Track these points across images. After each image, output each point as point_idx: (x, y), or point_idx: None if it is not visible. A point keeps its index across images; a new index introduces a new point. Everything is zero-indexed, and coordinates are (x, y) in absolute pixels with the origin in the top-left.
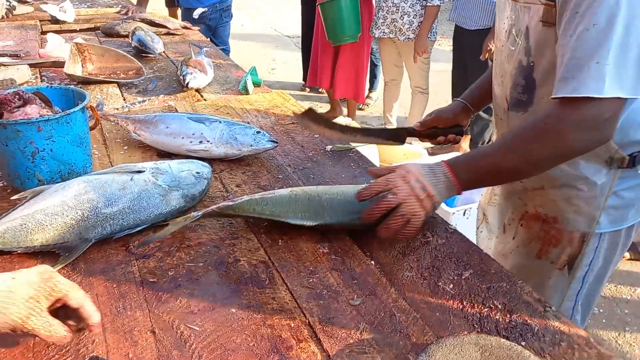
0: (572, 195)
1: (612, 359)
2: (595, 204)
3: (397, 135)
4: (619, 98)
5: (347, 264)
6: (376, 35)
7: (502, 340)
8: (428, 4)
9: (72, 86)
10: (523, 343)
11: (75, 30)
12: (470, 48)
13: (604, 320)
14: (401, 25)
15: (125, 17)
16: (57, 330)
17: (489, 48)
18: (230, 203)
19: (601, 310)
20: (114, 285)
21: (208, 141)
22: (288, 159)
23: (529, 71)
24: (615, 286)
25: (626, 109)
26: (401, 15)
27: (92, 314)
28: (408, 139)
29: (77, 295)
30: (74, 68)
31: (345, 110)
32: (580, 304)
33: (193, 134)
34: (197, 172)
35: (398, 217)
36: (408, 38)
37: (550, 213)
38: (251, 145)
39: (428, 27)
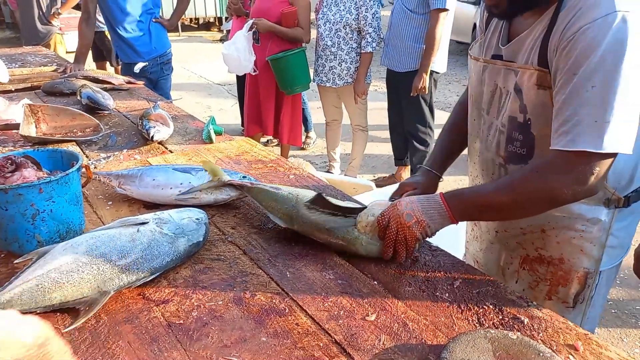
0: (576, 236)
1: (588, 336)
2: (598, 243)
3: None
4: (613, 153)
5: (354, 286)
6: (316, 82)
7: (505, 331)
8: (362, 51)
9: (59, 147)
10: (518, 333)
11: (10, 91)
12: (401, 88)
13: None
14: (340, 72)
15: (66, 75)
16: None
17: (418, 86)
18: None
19: None
20: (143, 332)
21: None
22: None
23: (527, 127)
24: None
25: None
26: (339, 62)
27: None
28: None
29: None
30: (28, 129)
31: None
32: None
33: (181, 184)
34: (197, 219)
35: (389, 242)
36: (347, 82)
37: (555, 254)
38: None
39: (365, 72)
